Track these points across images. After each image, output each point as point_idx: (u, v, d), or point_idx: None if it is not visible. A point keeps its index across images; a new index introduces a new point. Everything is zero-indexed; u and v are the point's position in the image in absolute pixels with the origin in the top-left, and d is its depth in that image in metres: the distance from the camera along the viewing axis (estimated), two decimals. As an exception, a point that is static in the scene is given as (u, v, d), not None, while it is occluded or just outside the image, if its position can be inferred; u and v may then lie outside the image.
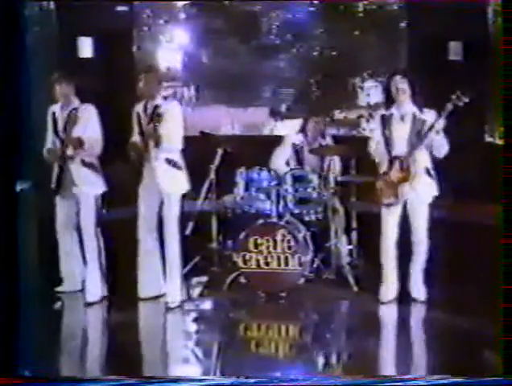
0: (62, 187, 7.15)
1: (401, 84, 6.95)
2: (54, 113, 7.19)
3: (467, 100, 6.64)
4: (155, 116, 6.92)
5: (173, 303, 7.05)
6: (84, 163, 7.08)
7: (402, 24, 9.75)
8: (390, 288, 7.15)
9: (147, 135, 6.92)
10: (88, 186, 7.11)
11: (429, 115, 6.91)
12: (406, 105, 6.98)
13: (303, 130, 8.29)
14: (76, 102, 7.16)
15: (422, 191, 6.99)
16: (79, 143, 7.00)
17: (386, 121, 7.05)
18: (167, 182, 6.97)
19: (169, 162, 6.96)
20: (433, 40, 9.15)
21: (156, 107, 6.97)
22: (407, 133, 6.94)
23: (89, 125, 7.07)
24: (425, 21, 9.21)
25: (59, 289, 7.33)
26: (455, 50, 9.29)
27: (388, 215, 7.08)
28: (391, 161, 6.99)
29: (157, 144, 6.86)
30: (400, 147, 6.97)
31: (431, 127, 6.79)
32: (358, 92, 10.11)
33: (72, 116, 7.10)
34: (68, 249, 7.31)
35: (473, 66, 8.92)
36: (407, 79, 6.99)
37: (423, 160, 6.97)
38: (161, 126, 6.87)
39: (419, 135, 6.89)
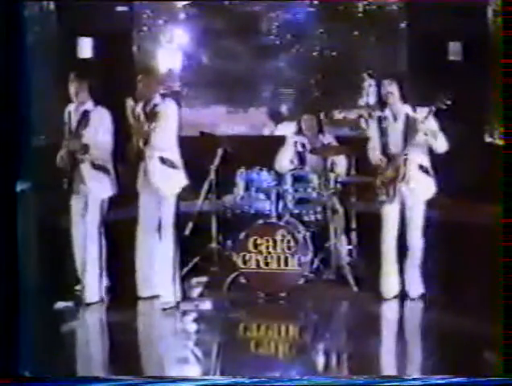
0: (73, 187, 7.17)
1: (389, 88, 7.08)
2: (69, 113, 7.18)
3: (449, 102, 6.73)
4: (152, 114, 6.94)
5: (167, 304, 7.05)
6: (94, 166, 7.09)
7: (402, 24, 9.75)
8: (390, 285, 7.17)
9: (138, 134, 6.94)
10: (97, 188, 7.11)
11: (421, 113, 7.00)
12: (398, 106, 7.10)
13: (299, 130, 8.29)
14: (89, 103, 7.12)
15: (416, 189, 7.04)
16: (83, 149, 7.02)
17: (381, 123, 7.17)
18: (161, 181, 6.97)
19: (163, 160, 6.96)
20: (433, 40, 9.16)
21: (154, 106, 6.98)
22: (401, 133, 7.06)
23: (101, 130, 7.05)
24: (425, 21, 9.21)
25: (78, 287, 7.34)
26: (455, 50, 9.29)
27: (386, 213, 7.15)
28: (386, 160, 7.08)
29: (146, 142, 6.88)
30: (394, 147, 7.08)
31: (417, 128, 6.90)
32: (358, 92, 10.12)
33: (84, 118, 7.09)
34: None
35: (473, 66, 8.92)
36: (395, 81, 7.10)
37: (416, 158, 7.04)
38: (155, 125, 6.88)
39: (411, 134, 6.96)
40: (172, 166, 6.99)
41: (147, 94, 7.01)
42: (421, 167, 7.06)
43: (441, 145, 6.99)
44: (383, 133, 7.14)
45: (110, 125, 7.10)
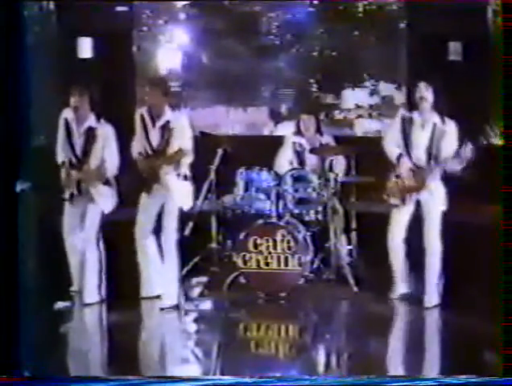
0: (74, 200, 7.17)
1: (425, 92, 6.95)
2: (66, 120, 7.14)
3: (500, 142, 6.66)
4: (166, 133, 6.93)
5: (166, 304, 7.04)
6: (104, 182, 7.11)
7: (402, 24, 9.74)
8: (400, 287, 7.17)
9: (165, 158, 6.96)
10: (104, 203, 7.13)
11: (450, 126, 6.93)
12: (428, 113, 6.98)
13: (298, 130, 8.28)
14: (92, 118, 7.10)
15: (438, 199, 6.99)
16: (99, 177, 7.05)
17: (406, 124, 7.06)
18: (179, 194, 7.01)
19: (179, 175, 7.01)
20: (433, 40, 9.15)
21: (167, 122, 6.96)
22: (427, 142, 6.96)
23: (107, 147, 7.06)
24: (425, 21, 9.21)
25: (72, 288, 7.33)
26: (455, 50, 9.28)
27: (396, 215, 7.10)
28: (408, 166, 7.01)
29: (162, 158, 6.92)
30: (418, 154, 6.99)
31: (457, 155, 6.80)
32: (358, 92, 10.11)
33: (90, 136, 7.07)
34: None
35: (473, 66, 8.92)
36: (432, 87, 6.97)
37: (440, 171, 6.98)
38: (173, 143, 6.91)
39: (438, 147, 6.90)
40: (186, 178, 7.06)
41: (155, 103, 7.01)
42: (442, 178, 7.02)
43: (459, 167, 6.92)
44: (407, 136, 7.04)
45: (115, 140, 7.10)
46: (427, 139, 6.97)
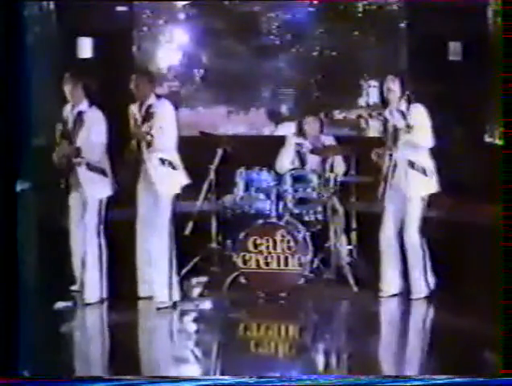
0: (70, 188, 7.18)
1: (391, 84, 7.06)
2: (66, 114, 7.20)
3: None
4: (148, 116, 6.96)
5: (162, 303, 7.03)
6: (90, 167, 7.10)
7: (402, 24, 9.76)
8: (389, 283, 7.19)
9: (138, 136, 6.96)
10: (94, 189, 7.12)
11: (416, 110, 6.97)
12: (396, 103, 7.06)
13: (300, 131, 8.28)
14: (84, 104, 7.14)
15: (407, 187, 7.03)
16: (75, 152, 7.04)
17: (383, 124, 7.19)
18: (161, 181, 6.98)
19: (163, 161, 6.98)
20: (433, 40, 9.17)
21: (149, 107, 7.00)
22: (392, 130, 7.07)
23: (94, 131, 7.06)
24: (425, 21, 9.23)
25: (73, 287, 7.34)
26: (455, 50, 9.31)
27: (384, 210, 7.17)
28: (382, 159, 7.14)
29: (148, 145, 6.91)
30: (391, 146, 7.09)
31: (398, 128, 6.94)
32: (358, 92, 10.12)
33: (79, 119, 7.10)
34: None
35: (473, 66, 8.93)
36: (398, 79, 7.08)
37: (405, 156, 7.01)
38: (153, 126, 6.90)
39: (402, 131, 6.98)
40: (172, 166, 7.01)
41: (141, 94, 7.03)
42: (411, 165, 7.03)
43: (423, 140, 6.96)
44: (385, 132, 7.15)
45: (104, 126, 7.11)
46: (392, 127, 7.04)
